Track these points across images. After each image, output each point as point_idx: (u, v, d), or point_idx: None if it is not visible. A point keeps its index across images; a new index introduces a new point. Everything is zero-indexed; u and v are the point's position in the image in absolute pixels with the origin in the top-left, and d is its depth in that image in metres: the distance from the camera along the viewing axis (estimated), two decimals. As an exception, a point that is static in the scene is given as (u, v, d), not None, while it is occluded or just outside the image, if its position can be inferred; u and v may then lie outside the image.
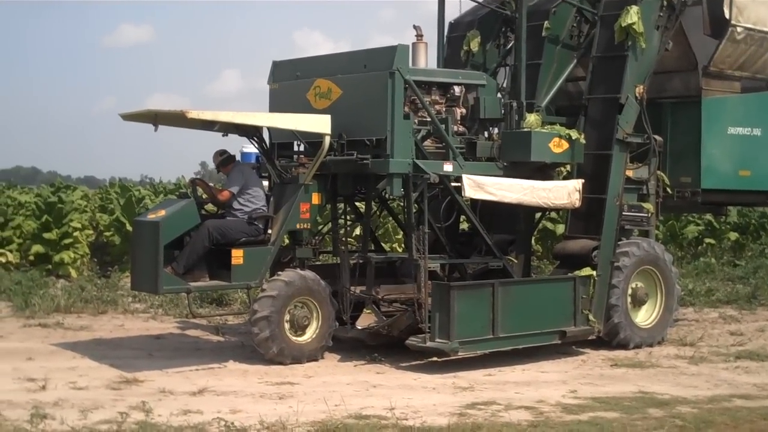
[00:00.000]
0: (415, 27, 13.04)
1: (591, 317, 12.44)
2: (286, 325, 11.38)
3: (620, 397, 10.05)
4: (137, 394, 9.75)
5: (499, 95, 13.24)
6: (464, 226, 14.36)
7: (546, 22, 13.52)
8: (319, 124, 11.46)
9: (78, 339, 12.99)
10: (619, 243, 12.83)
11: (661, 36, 13.15)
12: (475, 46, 14.33)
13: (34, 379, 10.22)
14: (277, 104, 12.85)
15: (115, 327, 14.06)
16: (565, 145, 12.38)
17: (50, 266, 19.36)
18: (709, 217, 23.87)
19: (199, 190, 12.12)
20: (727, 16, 13.59)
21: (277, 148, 12.79)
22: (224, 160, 11.99)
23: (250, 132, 11.93)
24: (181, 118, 10.79)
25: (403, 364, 11.58)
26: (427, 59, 13.04)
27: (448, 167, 11.77)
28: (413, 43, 12.94)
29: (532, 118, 12.60)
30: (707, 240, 24.23)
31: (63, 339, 12.95)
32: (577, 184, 12.43)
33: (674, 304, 13.42)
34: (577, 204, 12.45)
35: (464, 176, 11.60)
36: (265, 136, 12.39)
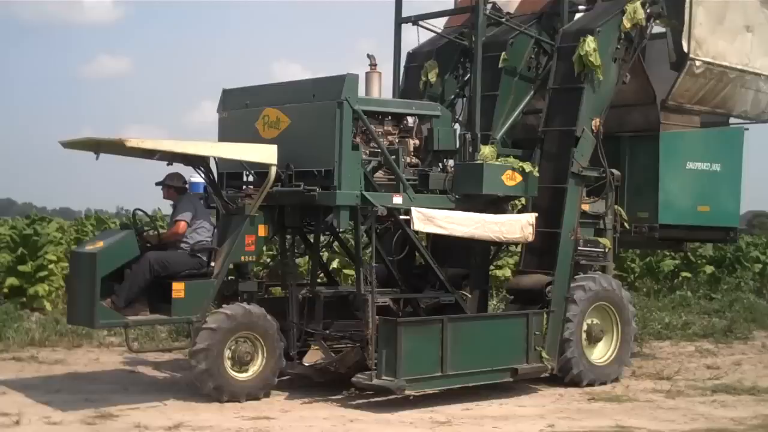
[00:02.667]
0: (368, 56, 12.78)
1: (544, 354, 12.16)
2: (228, 362, 11.02)
3: (598, 431, 9.96)
4: (112, 429, 9.56)
5: (455, 126, 13.02)
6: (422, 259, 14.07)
7: (503, 53, 13.34)
8: (265, 154, 11.16)
9: (52, 373, 12.70)
10: (575, 278, 12.59)
11: (618, 68, 12.96)
12: (433, 76, 14.11)
13: (8, 414, 9.94)
14: (226, 133, 12.55)
15: (90, 361, 13.74)
16: (519, 178, 12.13)
17: (25, 299, 18.94)
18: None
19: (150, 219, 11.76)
20: (685, 49, 13.42)
21: (226, 178, 12.49)
22: (178, 187, 11.64)
23: (196, 161, 11.59)
24: (121, 146, 10.46)
25: (379, 399, 11.28)
26: (381, 89, 12.79)
27: (397, 199, 11.50)
28: (367, 73, 12.69)
29: (486, 150, 12.38)
30: (683, 273, 24.37)
31: (37, 373, 12.70)
32: (531, 218, 12.18)
33: (630, 341, 13.15)
34: (531, 238, 12.20)
35: (413, 209, 11.33)
36: (213, 166, 12.06)
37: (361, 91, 12.58)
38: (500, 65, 13.30)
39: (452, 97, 14.10)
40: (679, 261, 24.47)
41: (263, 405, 10.87)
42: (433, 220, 11.39)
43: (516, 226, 12.03)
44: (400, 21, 13.86)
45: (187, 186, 11.67)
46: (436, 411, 10.79)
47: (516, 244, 12.75)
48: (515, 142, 13.53)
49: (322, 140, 11.27)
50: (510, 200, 12.39)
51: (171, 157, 11.38)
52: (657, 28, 13.80)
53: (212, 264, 11.24)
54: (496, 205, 12.25)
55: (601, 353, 12.93)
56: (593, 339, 12.78)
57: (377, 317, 11.11)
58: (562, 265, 12.39)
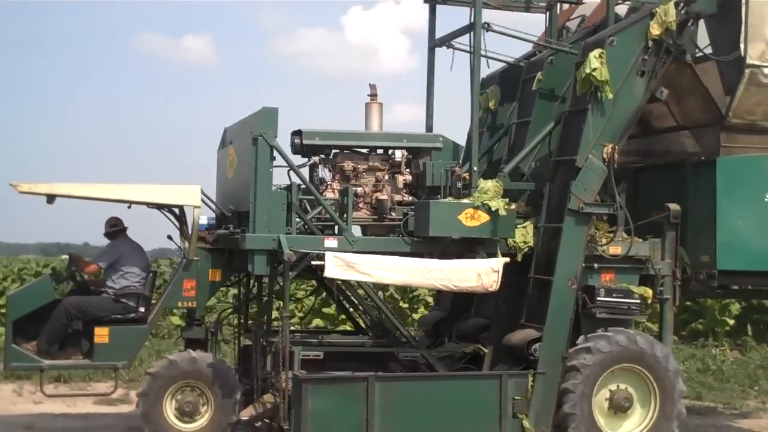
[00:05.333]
0: (370, 85, 11.82)
1: (527, 423, 10.35)
2: (170, 410, 10.65)
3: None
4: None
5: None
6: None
7: (539, 73, 11.64)
8: (183, 195, 10.64)
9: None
10: (606, 332, 10.59)
11: (646, 83, 10.75)
12: (493, 104, 12.62)
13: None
14: (217, 173, 12.19)
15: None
16: (484, 217, 10.45)
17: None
18: None
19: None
20: (742, 53, 10.83)
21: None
22: (111, 232, 11.44)
23: (162, 206, 11.21)
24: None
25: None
26: (382, 120, 11.72)
27: (330, 243, 10.39)
28: (366, 104, 11.77)
29: (489, 185, 10.83)
30: None
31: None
32: (495, 263, 10.38)
33: (671, 422, 10.74)
34: (494, 287, 10.41)
35: (328, 254, 10.09)
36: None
37: (360, 125, 11.76)
38: (534, 87, 11.64)
39: (504, 127, 12.48)
40: None
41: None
42: (354, 266, 10.06)
43: (471, 274, 10.31)
44: (433, 45, 12.53)
45: (114, 230, 11.37)
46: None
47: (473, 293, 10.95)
48: None
49: (245, 179, 10.55)
50: (481, 243, 10.65)
51: (130, 201, 11.12)
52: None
53: (141, 309, 10.88)
54: (469, 248, 10.66)
55: (632, 425, 10.75)
56: (618, 408, 10.66)
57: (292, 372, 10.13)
58: (556, 318, 10.47)
